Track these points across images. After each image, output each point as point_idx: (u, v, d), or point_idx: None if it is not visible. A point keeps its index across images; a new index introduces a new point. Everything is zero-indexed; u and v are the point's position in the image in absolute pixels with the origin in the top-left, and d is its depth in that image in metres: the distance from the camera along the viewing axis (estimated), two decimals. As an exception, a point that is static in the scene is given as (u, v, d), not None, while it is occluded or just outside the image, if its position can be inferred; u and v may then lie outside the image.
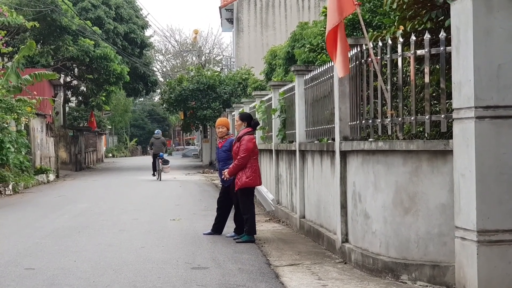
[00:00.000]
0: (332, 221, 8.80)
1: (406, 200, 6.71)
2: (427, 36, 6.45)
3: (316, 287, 6.65)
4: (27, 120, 22.99)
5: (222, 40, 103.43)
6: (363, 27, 7.51)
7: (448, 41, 6.19)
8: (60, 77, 31.09)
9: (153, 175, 25.82)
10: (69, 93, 38.36)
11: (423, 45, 6.51)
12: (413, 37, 6.60)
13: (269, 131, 14.03)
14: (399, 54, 6.77)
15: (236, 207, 9.93)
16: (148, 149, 31.46)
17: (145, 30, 40.81)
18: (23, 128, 22.73)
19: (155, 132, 27.19)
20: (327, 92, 8.99)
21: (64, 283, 6.92)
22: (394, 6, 7.44)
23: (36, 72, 23.29)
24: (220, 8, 42.81)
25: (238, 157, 9.46)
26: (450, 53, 6.10)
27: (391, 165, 6.88)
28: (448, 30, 6.20)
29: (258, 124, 9.90)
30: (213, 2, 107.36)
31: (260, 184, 9.77)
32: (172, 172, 28.99)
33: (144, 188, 21.65)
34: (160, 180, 24.95)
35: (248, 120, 9.82)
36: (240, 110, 18.56)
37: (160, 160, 25.17)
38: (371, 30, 10.79)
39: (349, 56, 7.76)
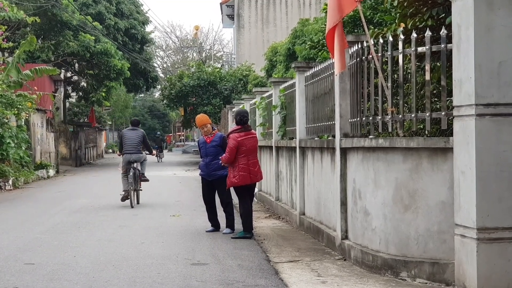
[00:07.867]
0: (332, 218, 8.80)
1: (406, 197, 6.71)
2: (428, 33, 6.44)
3: (315, 283, 6.66)
4: (27, 115, 23.00)
5: (223, 36, 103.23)
6: (364, 24, 7.50)
7: (449, 39, 6.19)
8: (60, 73, 31.03)
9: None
10: (69, 88, 38.30)
11: (424, 42, 6.51)
12: (414, 34, 6.59)
13: (269, 127, 14.02)
14: (400, 51, 6.77)
15: (221, 203, 10.23)
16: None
17: (145, 25, 40.70)
18: (23, 123, 22.72)
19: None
20: (327, 89, 8.98)
21: (64, 278, 6.93)
22: (395, 3, 7.44)
23: (37, 67, 23.26)
24: (221, 4, 42.76)
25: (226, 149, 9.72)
26: (451, 51, 6.10)
27: (391, 162, 6.88)
28: (449, 27, 6.20)
29: (243, 120, 9.87)
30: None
31: (251, 181, 9.70)
32: (172, 168, 31.74)
33: (144, 183, 21.60)
34: None
35: (236, 118, 10.02)
36: (241, 106, 18.56)
37: None
38: (372, 27, 10.79)
39: (348, 53, 7.77)
